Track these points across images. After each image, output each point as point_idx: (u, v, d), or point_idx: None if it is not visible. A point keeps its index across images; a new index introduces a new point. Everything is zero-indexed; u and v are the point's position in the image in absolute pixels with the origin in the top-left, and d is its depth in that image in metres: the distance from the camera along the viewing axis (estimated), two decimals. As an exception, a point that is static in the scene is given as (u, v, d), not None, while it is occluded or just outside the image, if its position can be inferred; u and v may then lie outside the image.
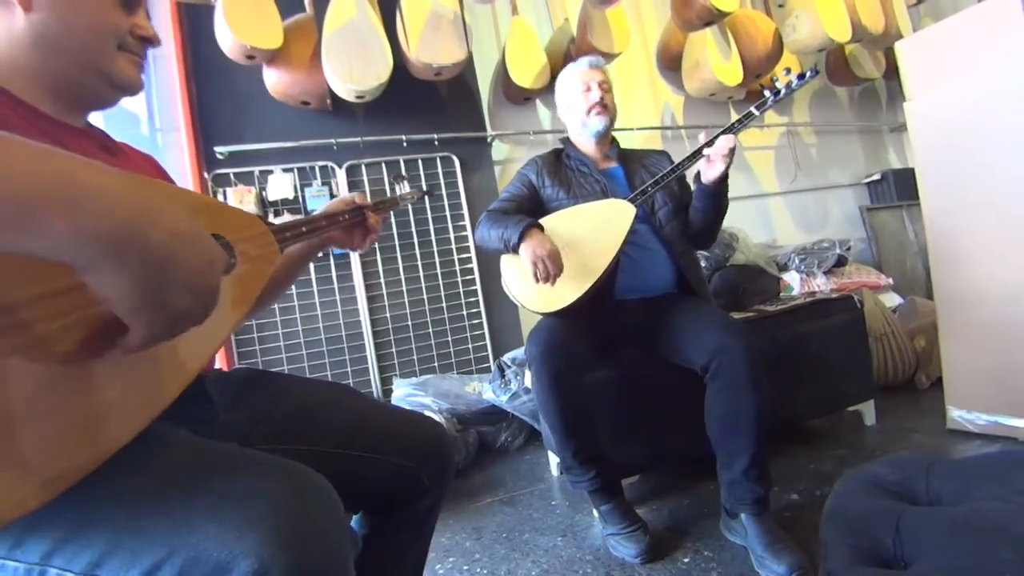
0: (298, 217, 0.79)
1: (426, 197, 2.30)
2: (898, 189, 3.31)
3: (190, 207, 0.59)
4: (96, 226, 0.33)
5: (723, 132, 1.29)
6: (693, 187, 1.40)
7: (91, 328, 0.40)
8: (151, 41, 0.66)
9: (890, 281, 2.78)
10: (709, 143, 1.30)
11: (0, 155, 0.31)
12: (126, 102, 2.22)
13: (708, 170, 1.31)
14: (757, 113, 1.32)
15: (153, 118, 2.13)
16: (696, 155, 1.33)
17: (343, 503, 0.51)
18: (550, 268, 1.24)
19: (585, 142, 1.55)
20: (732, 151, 1.27)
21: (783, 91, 1.36)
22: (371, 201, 0.89)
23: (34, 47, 0.58)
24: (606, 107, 1.50)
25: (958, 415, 1.61)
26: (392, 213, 2.28)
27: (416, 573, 0.83)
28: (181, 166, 2.05)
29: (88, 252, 0.33)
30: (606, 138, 1.54)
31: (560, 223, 1.35)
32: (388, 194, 2.26)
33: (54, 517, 0.42)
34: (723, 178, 1.31)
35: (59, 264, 0.34)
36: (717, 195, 1.37)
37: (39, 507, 0.37)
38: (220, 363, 1.97)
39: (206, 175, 2.08)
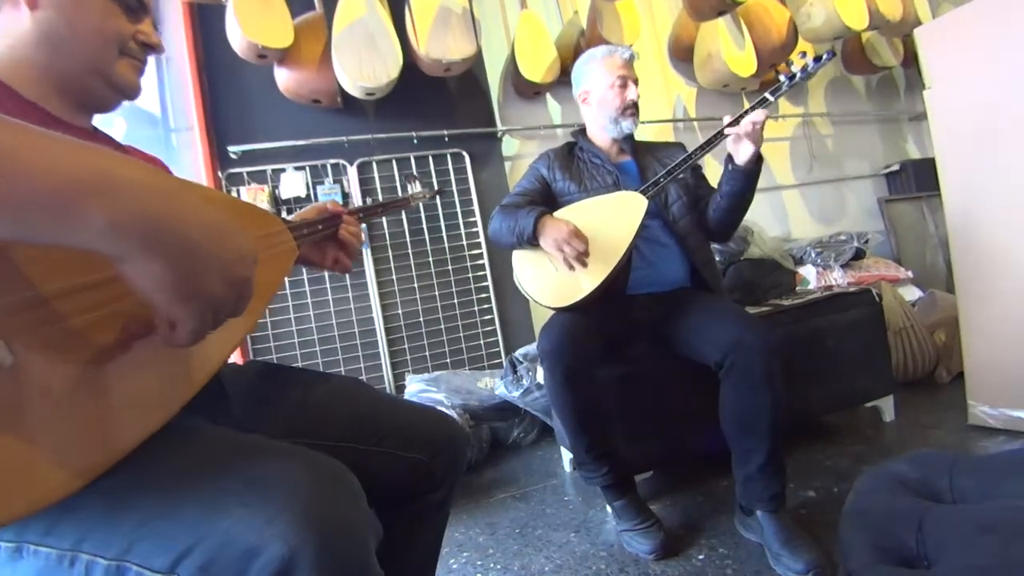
0: (314, 216, 0.78)
1: (437, 195, 2.31)
2: (917, 180, 3.24)
3: (218, 203, 0.60)
4: (132, 217, 0.34)
5: (734, 120, 1.26)
6: (721, 171, 1.34)
7: (126, 321, 0.41)
8: (154, 48, 0.68)
9: (909, 274, 2.73)
10: (722, 132, 1.26)
11: (40, 149, 0.32)
12: (142, 103, 2.24)
13: (739, 150, 1.25)
14: (772, 99, 1.26)
15: (167, 119, 2.15)
16: (708, 146, 1.30)
17: None
18: (577, 246, 1.23)
19: (602, 136, 1.52)
20: (760, 126, 1.20)
21: (799, 75, 1.29)
22: (360, 205, 0.86)
23: (38, 45, 0.59)
24: (638, 108, 1.47)
25: (980, 410, 1.57)
26: (403, 210, 2.29)
27: (430, 566, 0.83)
28: (195, 166, 2.08)
29: (125, 242, 0.34)
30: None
31: (571, 217, 1.34)
32: (400, 192, 2.27)
33: (85, 504, 0.43)
34: (757, 157, 1.26)
35: (93, 257, 0.34)
36: (751, 175, 1.29)
37: (72, 494, 0.38)
38: (236, 358, 1.99)
39: (220, 174, 2.10)
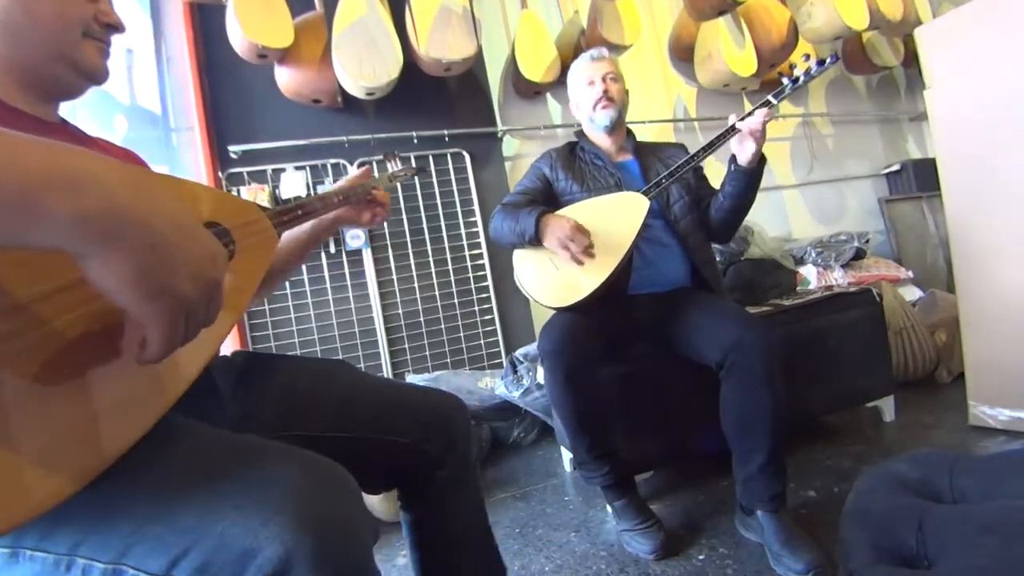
0: (294, 202, 0.78)
1: (427, 177, 2.31)
2: (918, 180, 3.23)
3: (187, 196, 0.59)
4: (96, 211, 0.33)
5: (740, 120, 1.26)
6: (724, 172, 1.35)
7: (107, 321, 0.40)
8: (116, 27, 0.65)
9: (910, 274, 2.72)
10: (727, 132, 1.26)
11: None
12: (143, 102, 2.23)
13: (742, 150, 1.26)
14: (775, 102, 1.27)
15: (168, 118, 2.15)
16: (710, 147, 1.30)
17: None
18: (582, 241, 1.24)
19: (597, 135, 1.53)
20: (764, 125, 1.22)
21: (802, 78, 1.29)
22: (342, 187, 0.87)
23: None
24: (612, 100, 1.47)
25: (980, 410, 1.57)
26: (403, 207, 2.29)
27: (478, 546, 0.82)
28: (196, 165, 2.08)
29: (89, 239, 0.33)
30: (618, 130, 1.52)
31: (573, 216, 1.34)
32: (399, 195, 2.27)
33: (81, 508, 0.43)
34: (760, 158, 1.27)
35: (65, 257, 0.33)
36: (754, 176, 1.31)
37: (67, 499, 0.38)
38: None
39: (220, 174, 2.10)
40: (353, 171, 2.20)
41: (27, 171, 0.31)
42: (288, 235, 0.81)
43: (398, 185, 1.21)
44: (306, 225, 0.83)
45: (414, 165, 1.12)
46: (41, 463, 0.37)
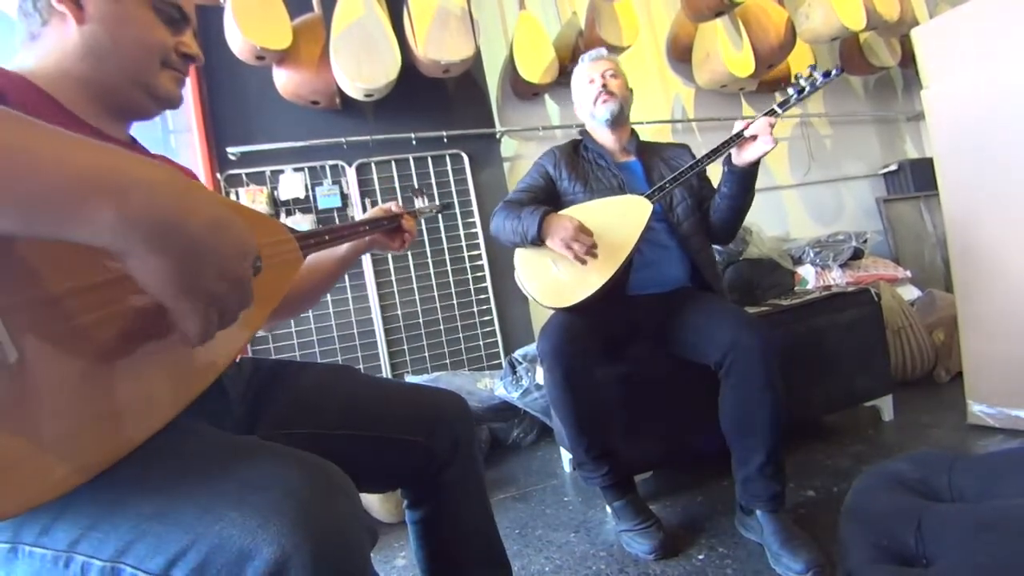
0: (322, 227, 0.81)
1: (443, 210, 2.33)
2: (915, 179, 3.25)
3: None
4: (140, 213, 0.35)
5: (746, 127, 1.27)
6: (721, 173, 1.35)
7: (132, 320, 0.42)
8: (194, 59, 0.70)
9: (908, 274, 2.73)
10: (732, 139, 1.26)
11: (54, 146, 0.34)
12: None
13: (743, 152, 1.27)
14: (780, 111, 1.28)
15: (166, 120, 2.15)
16: (715, 153, 1.30)
17: (355, 483, 0.52)
18: (585, 241, 1.24)
19: (601, 134, 1.54)
20: (771, 130, 1.23)
21: (808, 89, 1.32)
22: (367, 218, 0.93)
23: (84, 58, 0.61)
24: (612, 93, 1.49)
25: (979, 409, 1.57)
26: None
27: (484, 542, 0.82)
28: (194, 167, 2.08)
29: (131, 238, 0.35)
30: (621, 127, 1.53)
31: (576, 217, 1.34)
32: (398, 195, 2.28)
33: (81, 505, 0.43)
34: (757, 160, 1.28)
35: (100, 256, 0.35)
36: (748, 177, 1.32)
37: (70, 491, 0.39)
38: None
39: (219, 176, 2.10)
40: (351, 173, 2.24)
41: (79, 172, 0.34)
42: (316, 258, 0.86)
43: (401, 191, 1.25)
44: (340, 249, 0.89)
45: (439, 203, 1.22)
46: (52, 452, 0.38)
